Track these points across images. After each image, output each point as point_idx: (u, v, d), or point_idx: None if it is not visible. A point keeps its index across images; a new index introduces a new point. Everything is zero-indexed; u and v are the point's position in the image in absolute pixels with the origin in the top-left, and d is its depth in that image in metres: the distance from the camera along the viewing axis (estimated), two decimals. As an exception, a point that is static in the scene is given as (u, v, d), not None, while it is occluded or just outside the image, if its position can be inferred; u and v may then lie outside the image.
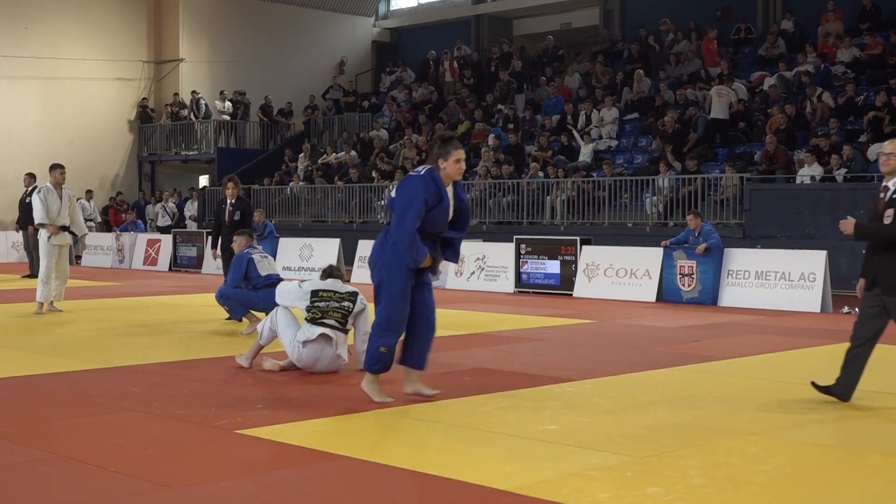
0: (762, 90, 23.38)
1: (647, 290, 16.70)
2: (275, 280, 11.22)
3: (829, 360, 10.10)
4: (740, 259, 16.13)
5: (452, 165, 7.32)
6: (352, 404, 7.45)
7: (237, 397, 7.77)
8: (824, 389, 7.62)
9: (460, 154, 7.33)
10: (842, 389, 7.55)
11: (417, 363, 7.58)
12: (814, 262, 15.33)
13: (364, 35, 36.33)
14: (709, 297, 16.03)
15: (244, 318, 11.84)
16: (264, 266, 11.62)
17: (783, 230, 18.25)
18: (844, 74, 22.71)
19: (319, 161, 29.36)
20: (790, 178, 19.68)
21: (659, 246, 16.87)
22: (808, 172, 19.21)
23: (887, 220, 7.36)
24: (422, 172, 7.34)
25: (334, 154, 29.48)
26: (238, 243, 11.91)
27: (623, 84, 26.43)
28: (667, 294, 16.50)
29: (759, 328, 12.83)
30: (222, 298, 11.77)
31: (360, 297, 8.85)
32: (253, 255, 11.61)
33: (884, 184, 7.60)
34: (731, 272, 16.06)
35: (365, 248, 21.26)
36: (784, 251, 16.14)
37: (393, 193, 7.45)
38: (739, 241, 18.31)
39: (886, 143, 7.74)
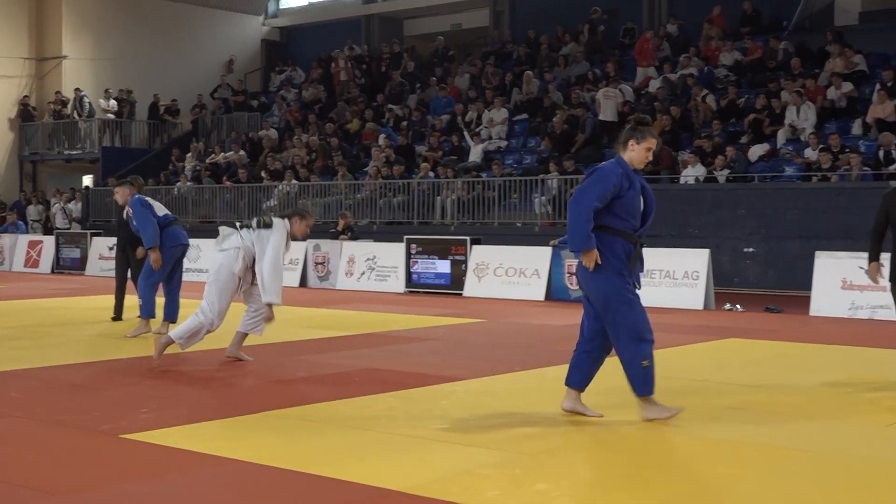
0: (648, 92, 23.81)
1: (536, 289, 16.87)
2: (171, 219, 11.72)
3: (711, 355, 10.35)
4: (627, 258, 16.36)
5: (642, 151, 6.82)
6: (240, 407, 7.37)
7: (122, 402, 7.61)
8: None
9: (653, 143, 6.86)
10: None
11: (579, 384, 7.06)
12: (697, 260, 15.68)
13: (253, 33, 35.97)
14: (596, 295, 16.24)
15: (149, 322, 11.67)
16: (159, 207, 11.87)
17: (667, 229, 18.61)
18: (726, 77, 23.27)
19: (207, 161, 28.97)
20: (674, 179, 20.08)
21: (548, 245, 17.04)
22: (692, 173, 19.63)
23: None
24: (608, 163, 6.88)
25: (223, 153, 29.13)
26: (122, 192, 11.97)
27: (512, 85, 26.66)
28: (555, 292, 16.70)
29: (645, 326, 13.04)
30: (150, 289, 11.71)
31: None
32: (145, 198, 11.83)
33: None
34: (617, 271, 16.29)
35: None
36: (668, 250, 16.46)
37: None
38: (627, 240, 18.58)
39: None
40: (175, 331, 9.52)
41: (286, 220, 9.48)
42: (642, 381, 6.80)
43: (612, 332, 6.81)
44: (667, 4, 27.96)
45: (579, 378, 7.01)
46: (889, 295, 13.78)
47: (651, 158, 6.98)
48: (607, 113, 22.93)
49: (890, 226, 8.71)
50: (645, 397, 6.84)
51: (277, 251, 9.22)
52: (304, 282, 19.89)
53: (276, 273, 9.19)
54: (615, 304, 6.74)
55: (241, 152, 28.52)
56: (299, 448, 6.16)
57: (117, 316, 13.04)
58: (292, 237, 9.53)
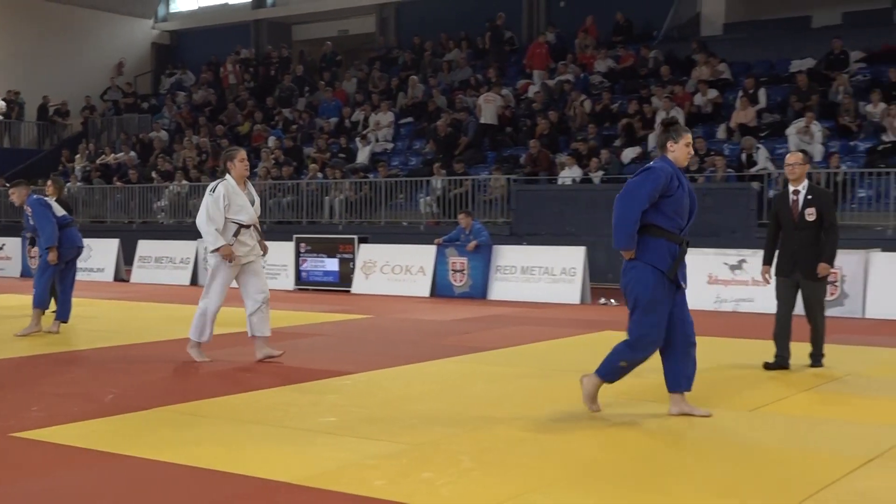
0: (527, 97, 24.06)
1: (422, 286, 16.91)
2: (69, 221, 11.56)
3: (588, 347, 10.50)
4: (508, 255, 16.56)
5: (682, 149, 6.75)
6: (131, 404, 7.22)
7: (11, 400, 7.39)
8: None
9: (689, 137, 6.81)
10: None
11: (678, 386, 6.81)
12: (574, 257, 15.90)
13: (143, 37, 35.26)
14: (479, 291, 16.39)
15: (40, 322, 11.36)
16: (57, 208, 11.69)
17: (546, 228, 18.82)
18: (601, 84, 23.64)
19: (98, 161, 28.30)
20: (552, 180, 20.33)
21: (433, 244, 17.11)
22: (569, 174, 19.90)
23: (810, 218, 8.75)
24: (658, 162, 6.70)
25: (113, 154, 28.49)
26: (19, 193, 11.72)
27: (398, 89, 26.66)
28: (440, 289, 16.76)
29: (525, 319, 13.20)
30: (44, 283, 11.43)
31: None
32: (45, 198, 11.70)
33: (792, 188, 8.89)
34: (499, 268, 16.46)
35: (145, 247, 20.65)
36: (547, 248, 16.66)
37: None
38: (507, 238, 18.77)
39: (788, 155, 9.10)
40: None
41: (223, 178, 9.15)
42: (609, 370, 6.78)
43: (629, 327, 6.73)
44: (545, 14, 28.29)
45: (671, 380, 6.80)
46: (752, 288, 14.24)
47: (693, 153, 6.95)
48: (488, 116, 23.11)
49: (781, 226, 9.08)
50: (599, 378, 6.81)
51: (204, 206, 9.02)
52: (195, 280, 19.58)
53: (204, 225, 8.99)
54: (641, 308, 6.62)
55: (132, 153, 27.94)
56: (189, 443, 6.06)
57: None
58: (238, 179, 9.07)
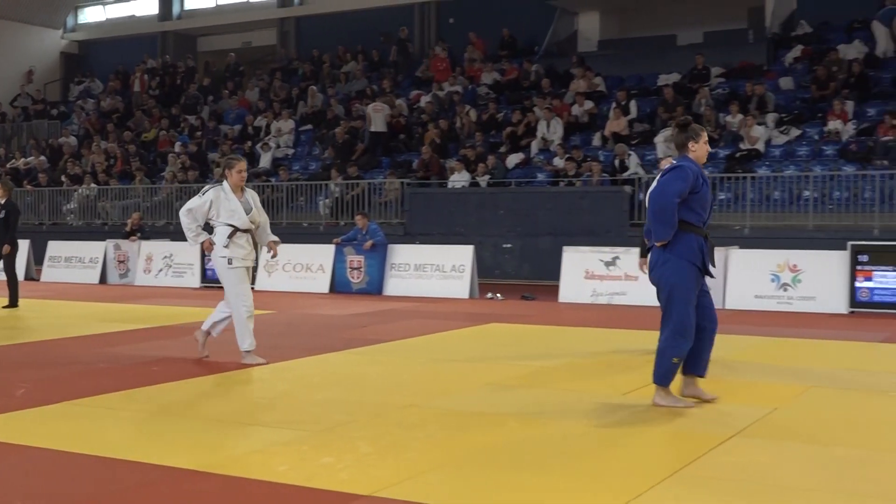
0: (419, 106, 24.08)
1: (321, 283, 16.81)
2: None
3: (475, 338, 10.57)
4: (402, 253, 16.56)
5: (703, 147, 6.73)
6: (42, 397, 7.01)
7: (-77, 396, 7.11)
8: None
9: (705, 135, 6.80)
10: None
11: (700, 370, 6.82)
12: (463, 255, 15.98)
13: (52, 46, 34.22)
14: (375, 287, 16.35)
15: None
16: None
17: (438, 228, 18.87)
18: (487, 95, 23.80)
19: (8, 165, 27.40)
20: (443, 184, 20.39)
21: (331, 243, 17.02)
22: (458, 179, 19.98)
23: None
24: (685, 161, 6.69)
25: (23, 159, 27.62)
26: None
27: (298, 98, 26.44)
28: (339, 286, 16.67)
29: (418, 313, 13.22)
30: None
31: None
32: None
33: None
34: (394, 265, 16.46)
35: (55, 248, 20.11)
36: (438, 246, 16.71)
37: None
38: (401, 237, 18.77)
39: (662, 160, 9.19)
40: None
41: (219, 183, 8.83)
42: (663, 374, 6.69)
43: (664, 320, 6.72)
44: (435, 30, 28.35)
45: (694, 363, 6.80)
46: (625, 283, 14.51)
47: (710, 149, 6.89)
48: (377, 125, 23.05)
49: None
50: (660, 386, 6.75)
51: (190, 202, 8.74)
52: (103, 279, 19.12)
53: (184, 218, 8.68)
54: (677, 297, 6.61)
55: (42, 158, 27.11)
56: (98, 434, 5.91)
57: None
58: (234, 187, 8.69)
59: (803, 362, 8.88)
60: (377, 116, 23.03)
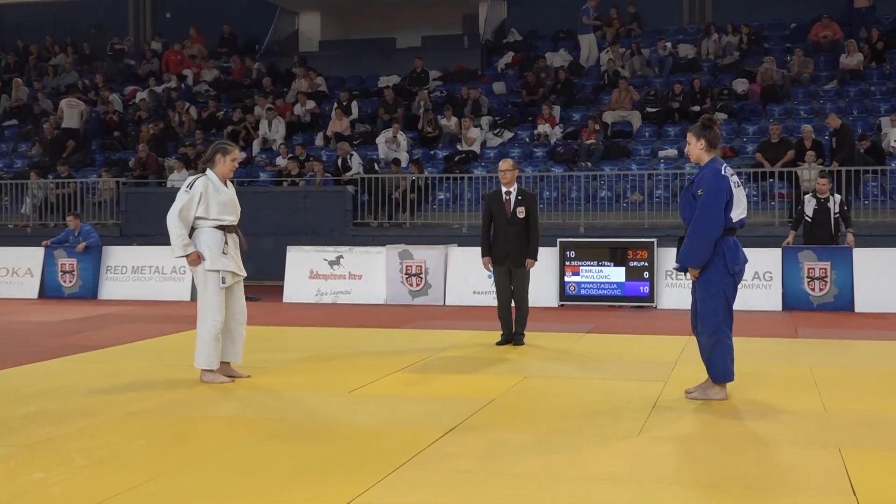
0: (135, 103, 23.21)
1: (30, 288, 15.94)
2: None
3: (186, 344, 10.30)
4: (118, 256, 15.91)
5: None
6: None
7: None
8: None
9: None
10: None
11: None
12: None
13: None
14: (89, 291, 15.63)
15: None
16: None
17: (156, 229, 18.09)
18: (207, 92, 23.29)
19: None
20: (161, 183, 19.76)
21: (40, 245, 16.09)
22: (177, 178, 19.38)
23: (521, 216, 9.56)
24: (720, 168, 6.70)
25: None
26: None
27: (1, 91, 24.76)
28: (49, 290, 15.86)
29: (136, 317, 12.75)
30: None
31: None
32: None
33: (504, 190, 9.67)
34: (109, 268, 15.79)
35: None
36: (157, 248, 16.08)
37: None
38: (117, 239, 18.00)
39: (502, 161, 9.88)
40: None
41: (203, 173, 7.71)
42: (724, 370, 6.78)
43: (701, 318, 6.80)
44: (151, 24, 27.41)
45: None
46: (349, 282, 14.66)
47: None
48: (71, 121, 21.98)
49: (493, 222, 9.73)
50: (721, 383, 6.86)
51: (178, 204, 7.52)
52: None
53: (175, 226, 7.52)
54: (712, 296, 6.72)
55: None
56: None
57: None
58: (222, 178, 7.69)
59: (514, 354, 9.30)
60: (72, 112, 21.93)
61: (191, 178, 7.75)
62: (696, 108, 18.85)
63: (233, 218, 7.76)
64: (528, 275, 9.86)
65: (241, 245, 7.84)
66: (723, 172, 6.69)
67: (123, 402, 6.89)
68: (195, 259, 7.59)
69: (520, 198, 9.67)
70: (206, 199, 7.58)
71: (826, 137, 17.41)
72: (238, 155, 7.99)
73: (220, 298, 7.62)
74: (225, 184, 7.77)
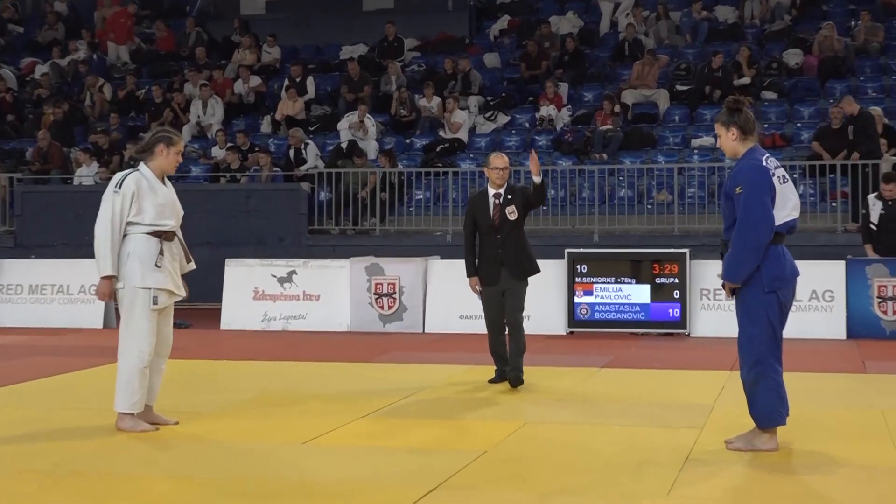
0: (34, 79, 23.15)
1: None
2: None
3: (108, 380, 10.27)
4: (12, 272, 15.85)
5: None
6: None
7: None
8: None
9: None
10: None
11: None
12: (96, 273, 15.47)
13: None
14: (-25, 316, 15.56)
15: None
16: None
17: (61, 237, 18.13)
18: (125, 66, 23.27)
19: None
20: (67, 179, 19.69)
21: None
22: (87, 173, 19.33)
23: (512, 216, 9.48)
24: (761, 159, 6.71)
25: None
26: None
27: None
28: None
29: (36, 349, 12.69)
30: None
31: None
32: None
33: (494, 191, 9.59)
34: (1, 287, 15.72)
35: None
36: (63, 261, 16.08)
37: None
38: (11, 251, 17.89)
39: (494, 157, 9.82)
40: None
41: (134, 168, 7.61)
42: (772, 412, 6.76)
43: (740, 348, 6.85)
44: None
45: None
46: (304, 303, 14.63)
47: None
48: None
49: (478, 230, 9.67)
50: (771, 427, 6.84)
51: (108, 209, 7.54)
52: None
53: (103, 238, 7.59)
54: (751, 321, 6.74)
55: None
56: None
57: None
58: (160, 174, 7.60)
59: (510, 396, 9.28)
60: None
61: (119, 176, 7.70)
62: (744, 82, 18.86)
63: (172, 223, 7.70)
64: (524, 292, 9.68)
65: (183, 260, 7.83)
66: (764, 164, 6.67)
67: (18, 456, 6.85)
68: (105, 291, 7.61)
69: (509, 196, 9.56)
70: (138, 199, 7.51)
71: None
72: (183, 147, 7.95)
73: (149, 324, 7.53)
74: (163, 181, 7.70)
